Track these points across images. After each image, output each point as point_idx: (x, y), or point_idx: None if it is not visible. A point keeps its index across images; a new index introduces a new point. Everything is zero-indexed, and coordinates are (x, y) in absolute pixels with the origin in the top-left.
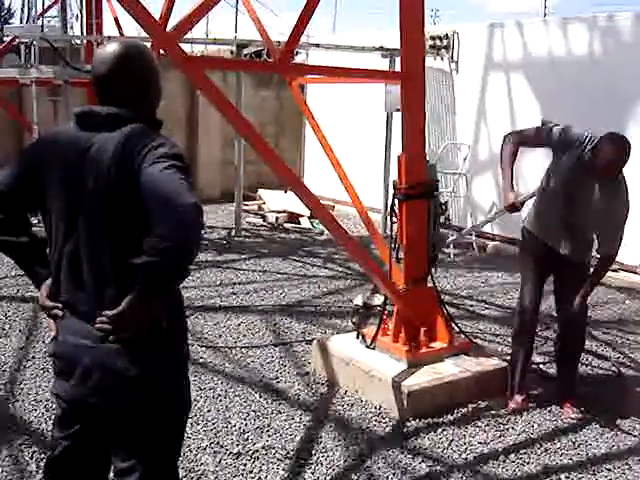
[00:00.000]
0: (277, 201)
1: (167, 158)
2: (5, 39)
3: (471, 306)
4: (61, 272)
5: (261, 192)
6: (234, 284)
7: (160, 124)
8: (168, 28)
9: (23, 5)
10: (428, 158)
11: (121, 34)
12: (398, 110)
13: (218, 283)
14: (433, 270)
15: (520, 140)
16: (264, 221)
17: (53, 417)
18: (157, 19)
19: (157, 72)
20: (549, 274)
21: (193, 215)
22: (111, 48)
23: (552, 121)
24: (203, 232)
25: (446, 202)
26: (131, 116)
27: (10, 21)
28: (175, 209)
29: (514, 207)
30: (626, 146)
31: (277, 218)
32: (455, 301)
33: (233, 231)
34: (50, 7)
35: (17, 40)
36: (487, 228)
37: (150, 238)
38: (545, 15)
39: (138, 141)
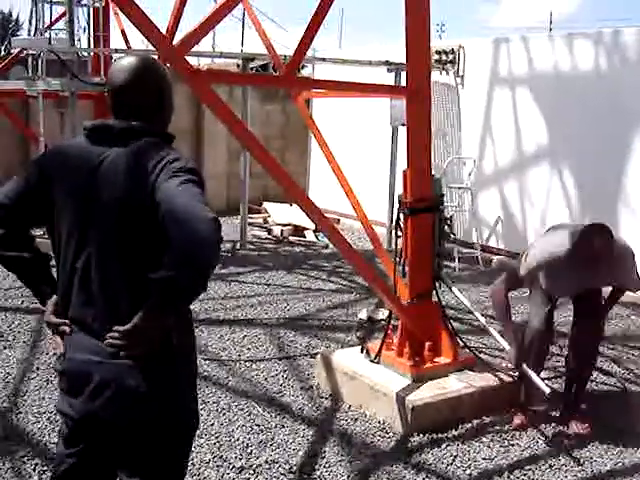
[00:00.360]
0: (282, 214)
1: (184, 172)
2: (13, 51)
3: (476, 321)
4: (72, 288)
5: (266, 205)
6: (239, 297)
7: (172, 138)
8: (175, 42)
9: (31, 17)
10: (433, 172)
11: (128, 47)
12: (403, 125)
13: (223, 296)
14: (438, 284)
15: (507, 288)
16: (269, 234)
17: (56, 430)
18: (164, 32)
19: (170, 86)
20: None
21: (212, 230)
22: (127, 61)
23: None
24: (221, 246)
25: (451, 216)
26: (145, 129)
27: (18, 33)
28: (194, 224)
29: (520, 368)
30: (609, 232)
31: (282, 231)
32: (460, 316)
33: (238, 244)
34: (57, 20)
35: (25, 52)
36: (492, 242)
37: (168, 253)
38: (550, 30)
39: (153, 155)
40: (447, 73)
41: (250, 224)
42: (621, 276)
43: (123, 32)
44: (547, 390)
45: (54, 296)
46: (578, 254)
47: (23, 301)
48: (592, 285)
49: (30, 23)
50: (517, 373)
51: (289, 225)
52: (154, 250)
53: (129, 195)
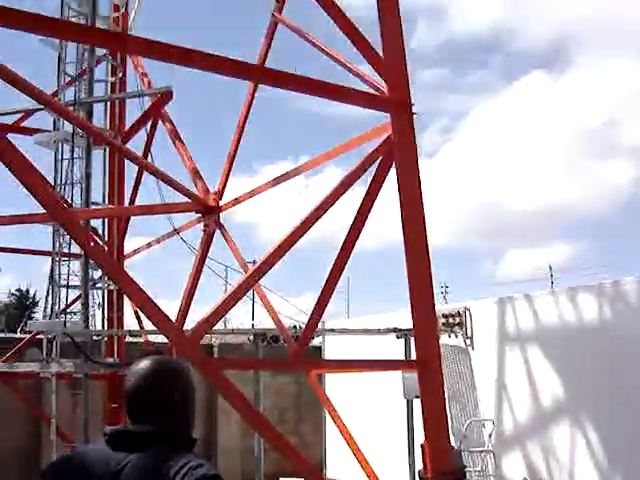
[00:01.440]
0: None
1: (206, 479)
2: (29, 329)
3: None
4: None
5: None
6: None
7: (194, 442)
8: (187, 325)
9: (47, 299)
10: (452, 439)
11: (141, 327)
12: (417, 397)
13: None
14: None
15: None
16: None
17: None
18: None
19: (192, 389)
20: None
21: None
22: (141, 366)
23: None
24: None
25: None
26: (164, 434)
27: (34, 310)
28: None
29: None
30: None
31: None
32: None
33: None
34: (73, 302)
35: (40, 334)
36: None
37: None
38: (552, 284)
39: (174, 462)
40: (456, 335)
41: None
42: None
43: (136, 312)
44: None
45: None
46: None
47: None
48: None
49: (46, 303)
50: None
51: None
52: None
53: None
